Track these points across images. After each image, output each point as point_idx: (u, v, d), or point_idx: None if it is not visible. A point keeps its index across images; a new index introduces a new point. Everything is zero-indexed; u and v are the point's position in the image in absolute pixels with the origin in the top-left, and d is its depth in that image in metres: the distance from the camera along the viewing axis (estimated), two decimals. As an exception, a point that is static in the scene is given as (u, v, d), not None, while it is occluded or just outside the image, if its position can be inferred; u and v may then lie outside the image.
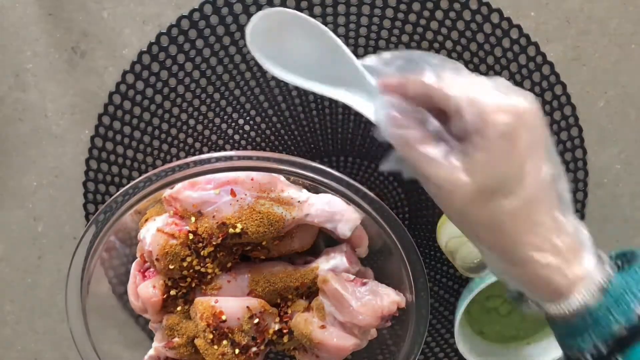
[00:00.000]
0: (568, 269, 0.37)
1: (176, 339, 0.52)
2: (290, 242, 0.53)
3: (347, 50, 0.44)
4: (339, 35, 0.56)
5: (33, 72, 0.57)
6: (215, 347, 0.50)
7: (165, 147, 0.59)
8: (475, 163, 0.36)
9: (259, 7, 0.55)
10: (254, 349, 0.51)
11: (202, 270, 0.51)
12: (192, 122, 0.58)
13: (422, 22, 0.56)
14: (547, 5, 0.56)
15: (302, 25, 0.45)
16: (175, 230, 0.50)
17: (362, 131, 0.59)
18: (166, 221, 0.51)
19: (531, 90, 0.57)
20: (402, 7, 0.55)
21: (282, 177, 0.52)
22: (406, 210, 0.61)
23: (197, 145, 0.59)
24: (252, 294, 0.52)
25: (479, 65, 0.57)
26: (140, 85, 0.57)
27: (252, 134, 0.58)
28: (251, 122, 0.58)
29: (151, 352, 0.54)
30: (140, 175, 0.54)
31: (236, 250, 0.52)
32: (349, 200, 0.50)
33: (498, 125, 0.36)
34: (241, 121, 0.58)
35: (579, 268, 0.38)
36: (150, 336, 0.58)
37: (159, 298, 0.52)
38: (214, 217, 0.50)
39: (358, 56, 0.56)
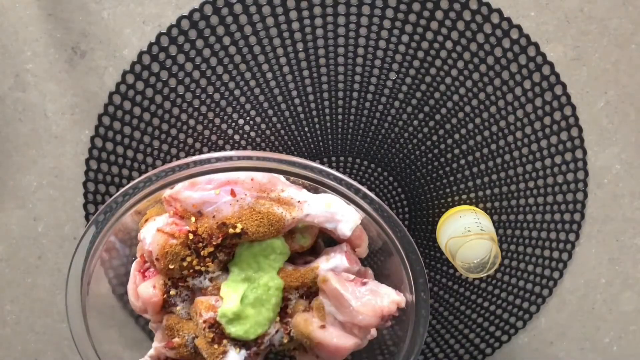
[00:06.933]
0: None
1: (176, 339, 0.52)
2: (291, 242, 0.53)
3: None
4: (339, 36, 0.56)
5: (33, 72, 0.57)
6: (216, 346, 0.50)
7: (165, 147, 0.59)
8: None
9: (259, 7, 0.55)
10: (254, 348, 0.51)
11: (202, 270, 0.51)
12: (192, 122, 0.58)
13: (422, 22, 0.56)
14: (547, 5, 0.56)
15: None
16: (175, 230, 0.50)
17: (362, 131, 0.59)
18: (166, 221, 0.51)
19: (531, 90, 0.57)
20: (402, 7, 0.55)
21: (282, 177, 0.52)
22: (406, 210, 0.61)
23: (197, 145, 0.59)
24: (252, 294, 0.52)
25: (479, 65, 0.57)
26: (140, 85, 0.57)
27: (252, 134, 0.59)
28: (251, 122, 0.58)
29: (151, 352, 0.54)
30: (140, 175, 0.54)
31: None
32: (349, 200, 0.50)
33: None
34: (241, 121, 0.58)
35: None
36: (150, 336, 0.59)
37: (159, 298, 0.52)
38: (214, 217, 0.50)
39: (357, 56, 0.57)
